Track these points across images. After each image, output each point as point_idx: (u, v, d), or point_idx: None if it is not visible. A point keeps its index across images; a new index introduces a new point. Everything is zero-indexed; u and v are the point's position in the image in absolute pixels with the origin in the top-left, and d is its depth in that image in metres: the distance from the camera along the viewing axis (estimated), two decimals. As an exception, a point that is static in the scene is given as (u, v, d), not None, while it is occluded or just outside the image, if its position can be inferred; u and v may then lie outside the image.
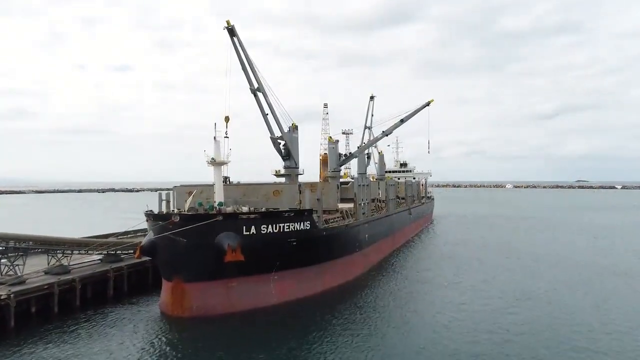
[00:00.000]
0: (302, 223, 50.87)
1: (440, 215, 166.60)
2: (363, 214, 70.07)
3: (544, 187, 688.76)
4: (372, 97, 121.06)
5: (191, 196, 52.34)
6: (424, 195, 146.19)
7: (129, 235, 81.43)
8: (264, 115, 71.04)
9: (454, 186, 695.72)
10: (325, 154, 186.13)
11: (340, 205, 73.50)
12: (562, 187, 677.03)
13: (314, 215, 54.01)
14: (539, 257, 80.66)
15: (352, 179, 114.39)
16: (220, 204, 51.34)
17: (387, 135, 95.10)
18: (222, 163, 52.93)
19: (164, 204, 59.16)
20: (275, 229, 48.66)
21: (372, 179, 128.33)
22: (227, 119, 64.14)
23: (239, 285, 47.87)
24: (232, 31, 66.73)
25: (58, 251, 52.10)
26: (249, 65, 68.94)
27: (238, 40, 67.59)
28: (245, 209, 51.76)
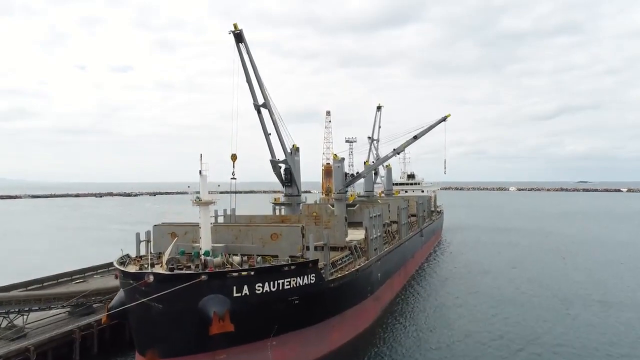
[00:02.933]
0: (305, 277, 42.01)
1: (449, 228, 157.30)
2: (375, 249, 61.14)
3: (548, 189, 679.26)
4: (379, 107, 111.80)
5: (173, 243, 43.46)
6: (433, 209, 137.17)
7: (111, 269, 72.69)
8: (266, 136, 62.45)
9: (457, 188, 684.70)
10: (328, 164, 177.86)
11: (349, 235, 64.55)
12: (566, 190, 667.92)
13: (320, 263, 45.14)
14: (589, 299, 68.13)
15: (359, 197, 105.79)
16: (206, 253, 42.47)
17: (398, 154, 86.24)
18: (210, 202, 44.04)
19: (142, 245, 50.18)
20: (274, 286, 39.79)
21: (379, 195, 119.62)
22: (234, 157, 56.76)
23: (228, 358, 38.98)
24: (239, 36, 58.12)
25: (11, 311, 43.18)
26: (256, 76, 60.12)
27: (245, 46, 58.82)
28: (237, 258, 42.94)
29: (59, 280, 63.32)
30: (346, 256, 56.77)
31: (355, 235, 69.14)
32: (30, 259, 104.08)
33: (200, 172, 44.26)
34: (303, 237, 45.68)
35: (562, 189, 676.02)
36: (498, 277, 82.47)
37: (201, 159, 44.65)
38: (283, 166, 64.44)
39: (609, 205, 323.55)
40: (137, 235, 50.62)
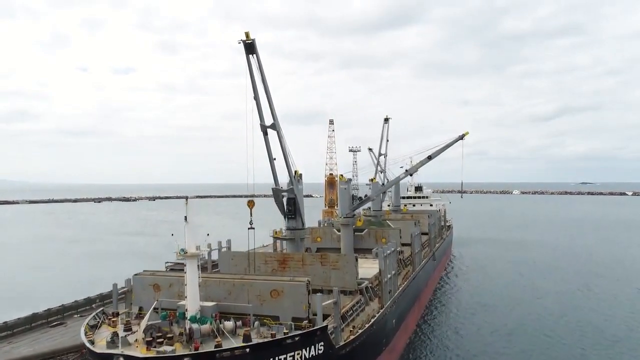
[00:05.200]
0: (313, 347, 34.70)
1: (457, 240, 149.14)
2: (389, 292, 53.78)
3: (552, 192, 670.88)
4: (386, 119, 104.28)
5: (152, 307, 36.28)
6: (443, 224, 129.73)
7: (95, 305, 65.32)
8: (271, 161, 54.92)
9: (459, 192, 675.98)
10: (331, 174, 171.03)
11: (360, 271, 57.16)
12: (570, 193, 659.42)
13: (330, 326, 37.80)
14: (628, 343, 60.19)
15: (366, 216, 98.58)
16: (192, 319, 35.28)
17: (410, 175, 78.95)
18: (197, 255, 36.79)
19: (122, 299, 43.00)
20: (274, 364, 32.49)
21: (387, 213, 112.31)
22: (251, 203, 50.26)
23: None
24: (250, 47, 50.35)
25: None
26: (266, 93, 52.48)
27: (257, 59, 51.03)
28: (229, 324, 35.77)
29: (32, 325, 56.03)
30: (357, 303, 49.47)
31: (366, 268, 61.98)
32: (5, 284, 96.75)
33: (185, 218, 37.09)
34: (309, 293, 38.40)
35: (566, 192, 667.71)
36: (524, 312, 74.32)
37: (187, 202, 37.50)
38: (286, 196, 57.02)
39: (617, 211, 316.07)
40: (115, 286, 43.47)
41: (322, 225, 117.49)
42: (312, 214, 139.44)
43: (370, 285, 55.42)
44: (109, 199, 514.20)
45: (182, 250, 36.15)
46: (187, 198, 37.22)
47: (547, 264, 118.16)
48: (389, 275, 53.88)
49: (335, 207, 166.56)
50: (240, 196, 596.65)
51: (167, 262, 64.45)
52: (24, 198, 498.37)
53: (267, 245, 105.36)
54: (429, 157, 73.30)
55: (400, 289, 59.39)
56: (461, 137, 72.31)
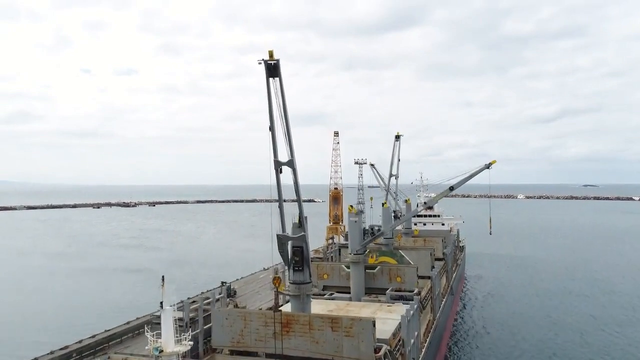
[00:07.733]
0: None
1: (468, 258, 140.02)
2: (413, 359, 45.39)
3: (557, 197, 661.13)
4: (397, 137, 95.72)
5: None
6: (457, 245, 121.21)
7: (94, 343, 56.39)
8: (281, 203, 46.28)
9: (463, 196, 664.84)
10: (336, 189, 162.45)
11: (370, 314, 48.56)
12: (576, 198, 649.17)
13: None
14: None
15: (376, 244, 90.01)
16: None
17: (430, 208, 70.54)
18: (175, 354, 28.39)
19: None
20: None
21: (398, 238, 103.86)
22: (277, 281, 43.30)
23: None
24: (274, 69, 41.52)
25: None
26: (286, 125, 43.71)
27: (280, 83, 42.30)
28: None
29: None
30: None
31: (382, 319, 53.34)
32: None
33: (161, 304, 28.69)
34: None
35: (572, 197, 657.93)
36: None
37: (163, 282, 29.09)
38: (291, 244, 48.40)
39: (628, 220, 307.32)
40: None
41: (328, 248, 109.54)
42: (315, 221, 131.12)
43: (389, 348, 46.95)
44: (108, 205, 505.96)
45: (157, 349, 27.77)
46: (163, 277, 28.77)
47: (568, 290, 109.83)
48: (412, 341, 45.50)
49: (340, 223, 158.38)
50: (242, 201, 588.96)
51: (154, 314, 55.70)
52: (22, 203, 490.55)
53: (268, 269, 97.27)
54: (451, 188, 64.86)
55: (424, 351, 50.95)
56: (487, 167, 63.79)
